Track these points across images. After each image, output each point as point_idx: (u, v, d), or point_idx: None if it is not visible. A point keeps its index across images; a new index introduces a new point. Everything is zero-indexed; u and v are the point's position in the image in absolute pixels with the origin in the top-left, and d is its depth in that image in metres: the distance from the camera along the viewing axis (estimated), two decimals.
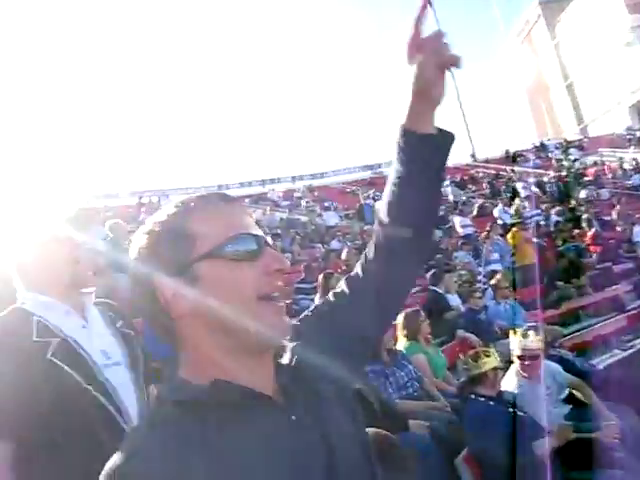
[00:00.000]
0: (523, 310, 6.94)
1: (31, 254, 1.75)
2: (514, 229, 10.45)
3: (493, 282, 7.31)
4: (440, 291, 7.25)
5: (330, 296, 1.10)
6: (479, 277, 9.40)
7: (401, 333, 5.01)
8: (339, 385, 0.97)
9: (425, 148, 1.01)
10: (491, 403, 3.24)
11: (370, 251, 1.06)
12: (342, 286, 1.09)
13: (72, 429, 1.58)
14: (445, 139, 1.03)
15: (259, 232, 0.89)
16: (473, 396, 3.32)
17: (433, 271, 7.67)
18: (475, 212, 16.25)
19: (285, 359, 0.96)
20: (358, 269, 1.08)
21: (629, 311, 7.41)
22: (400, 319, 5.07)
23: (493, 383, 3.34)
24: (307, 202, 19.62)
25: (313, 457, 0.83)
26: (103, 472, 0.76)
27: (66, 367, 1.61)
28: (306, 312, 1.10)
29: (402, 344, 4.95)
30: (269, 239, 0.93)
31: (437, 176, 1.04)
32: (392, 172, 1.07)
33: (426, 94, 1.00)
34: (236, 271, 0.84)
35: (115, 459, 0.77)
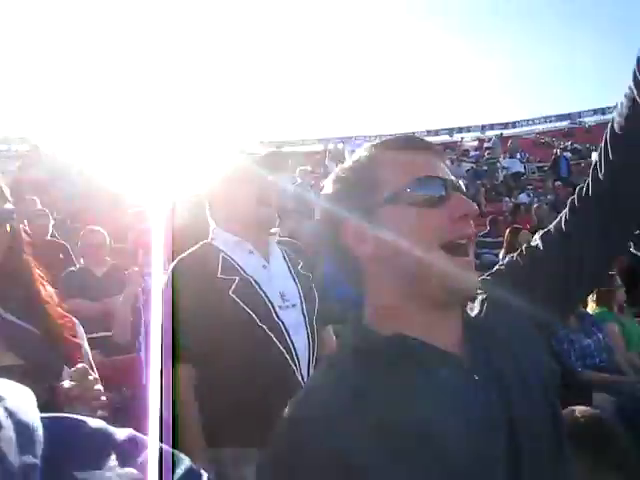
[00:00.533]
0: None
1: (222, 192, 1.85)
2: None
3: None
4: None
5: (524, 251, 1.00)
6: None
7: (591, 298, 4.57)
8: (528, 341, 0.89)
9: None
10: None
11: (582, 203, 0.95)
12: (537, 242, 0.99)
13: (241, 363, 1.68)
14: None
15: (448, 176, 0.84)
16: None
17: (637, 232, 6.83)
18: None
19: (473, 314, 0.89)
20: (560, 224, 0.97)
21: None
22: None
23: None
24: (497, 153, 18.60)
25: (493, 413, 0.77)
26: (288, 404, 0.79)
27: (244, 305, 1.70)
28: (497, 266, 1.02)
29: (591, 309, 4.52)
30: (462, 185, 0.87)
31: None
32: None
33: None
34: (417, 217, 0.80)
35: (299, 393, 0.79)
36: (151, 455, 0.47)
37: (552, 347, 3.80)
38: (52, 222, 5.62)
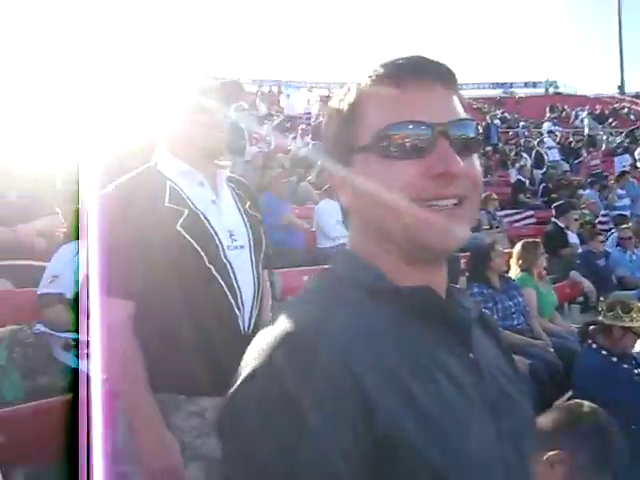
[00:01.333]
0: None
1: (173, 119, 1.71)
2: None
3: (625, 227, 6.70)
4: (562, 225, 6.78)
5: None
6: (602, 219, 8.71)
7: (515, 262, 4.73)
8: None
9: None
10: (614, 359, 2.95)
11: None
12: None
13: (186, 302, 1.56)
14: None
15: (442, 119, 0.69)
16: (595, 345, 3.04)
17: (560, 203, 7.18)
18: (609, 149, 14.88)
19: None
20: None
21: None
22: (518, 248, 4.80)
23: (623, 343, 3.00)
24: None
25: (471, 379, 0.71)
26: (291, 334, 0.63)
27: (193, 242, 1.58)
28: None
29: (514, 274, 4.68)
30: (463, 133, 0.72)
31: None
32: None
33: None
34: (389, 169, 0.69)
35: (306, 323, 0.64)
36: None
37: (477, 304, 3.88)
38: None
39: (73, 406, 2.14)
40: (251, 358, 0.64)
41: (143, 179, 1.66)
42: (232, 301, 1.61)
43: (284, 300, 2.60)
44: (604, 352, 3.00)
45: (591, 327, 3.14)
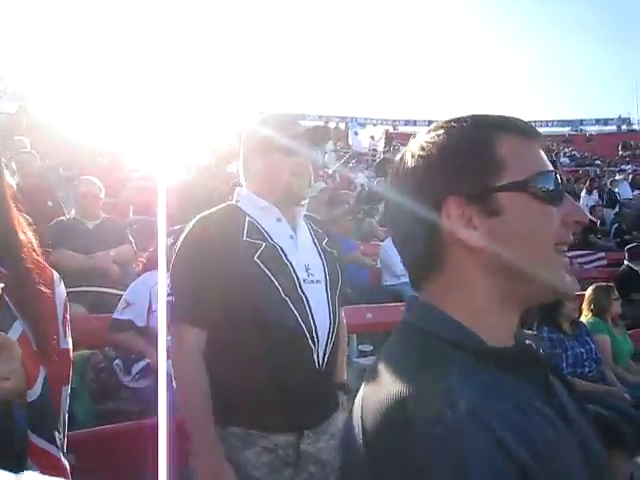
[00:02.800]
0: None
1: (259, 158, 1.75)
2: None
3: None
4: (636, 268, 6.47)
5: None
6: None
7: (587, 307, 4.54)
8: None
9: None
10: None
11: None
12: None
13: (258, 335, 1.57)
14: None
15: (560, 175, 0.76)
16: None
17: (633, 245, 6.85)
18: None
19: None
20: None
21: None
22: (589, 291, 4.60)
23: None
24: None
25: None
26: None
27: (269, 273, 1.60)
28: None
29: (586, 319, 4.49)
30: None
31: None
32: None
33: None
34: (543, 212, 0.71)
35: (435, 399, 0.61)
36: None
37: (544, 349, 3.75)
38: (38, 163, 5.42)
39: (142, 431, 2.21)
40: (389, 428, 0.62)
41: (223, 214, 1.71)
42: (307, 334, 1.60)
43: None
44: None
45: None
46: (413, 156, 0.76)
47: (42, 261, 1.33)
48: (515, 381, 0.68)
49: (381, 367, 0.70)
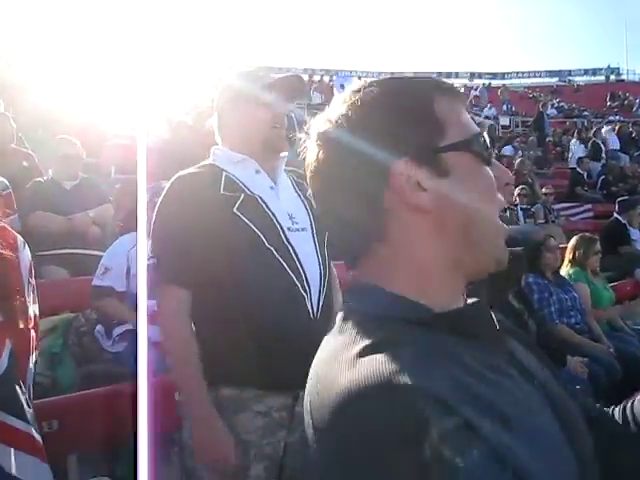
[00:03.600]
0: None
1: (233, 112, 1.70)
2: None
3: None
4: (624, 221, 6.49)
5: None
6: None
7: (568, 257, 4.57)
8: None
9: None
10: None
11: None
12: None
13: (245, 289, 1.52)
14: None
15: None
16: None
17: (625, 198, 6.87)
18: None
19: None
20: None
21: None
22: (572, 242, 4.65)
23: None
24: (484, 102, 18.41)
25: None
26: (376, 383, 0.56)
27: (251, 224, 1.55)
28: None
29: (565, 270, 4.52)
30: None
31: None
32: None
33: None
34: (486, 172, 0.71)
35: (385, 371, 0.57)
36: None
37: (528, 297, 3.72)
38: (14, 126, 5.24)
39: (124, 395, 2.19)
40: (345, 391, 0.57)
41: (199, 172, 1.65)
42: (297, 283, 1.55)
43: None
44: None
45: None
46: (359, 107, 0.70)
47: (4, 224, 1.26)
48: (469, 345, 0.65)
49: (325, 359, 0.66)
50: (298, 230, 1.62)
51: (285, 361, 1.45)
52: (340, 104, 0.72)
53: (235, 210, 1.55)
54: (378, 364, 0.58)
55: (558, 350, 3.46)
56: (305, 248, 1.60)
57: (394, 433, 0.52)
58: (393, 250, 0.69)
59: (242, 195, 1.59)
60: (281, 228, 1.58)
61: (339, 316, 0.71)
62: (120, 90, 6.53)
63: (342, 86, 19.58)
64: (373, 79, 0.75)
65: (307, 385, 0.68)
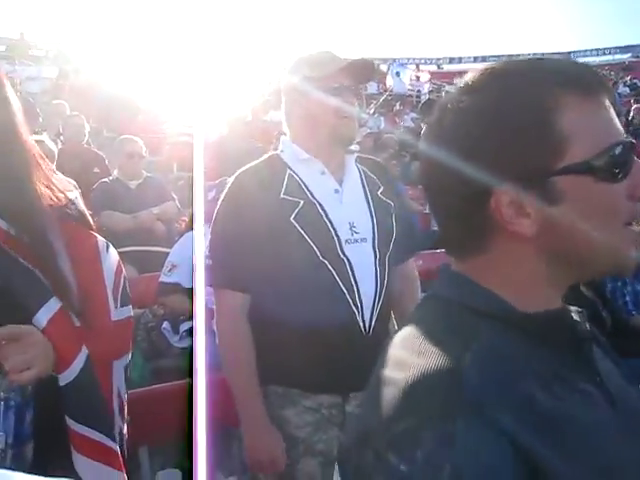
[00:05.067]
0: None
1: (296, 103, 1.62)
2: None
3: None
4: None
5: None
6: None
7: None
8: None
9: None
10: None
11: None
12: None
13: (295, 300, 1.50)
14: None
15: (627, 136, 0.63)
16: None
17: None
18: None
19: None
20: None
21: None
22: None
23: None
24: None
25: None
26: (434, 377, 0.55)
27: (306, 235, 1.50)
28: None
29: None
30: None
31: None
32: None
33: None
34: (610, 193, 0.60)
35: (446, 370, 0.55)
36: None
37: (602, 289, 3.55)
38: (87, 129, 5.44)
39: (191, 389, 2.20)
40: (387, 393, 0.57)
41: (262, 168, 1.61)
42: (348, 298, 1.51)
43: None
44: None
45: None
46: (457, 116, 0.62)
47: (84, 228, 1.22)
48: (547, 352, 0.60)
49: (399, 341, 0.63)
50: (357, 241, 1.55)
51: (333, 370, 1.49)
52: (446, 108, 0.64)
53: (292, 219, 1.51)
54: (440, 356, 0.56)
55: (636, 342, 3.27)
56: (362, 261, 1.55)
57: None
58: (492, 262, 0.64)
59: (302, 202, 1.53)
60: (338, 240, 1.53)
61: (421, 299, 0.69)
62: (179, 88, 6.64)
63: (397, 74, 19.32)
64: (485, 70, 0.63)
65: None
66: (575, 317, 0.66)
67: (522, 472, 0.50)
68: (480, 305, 0.62)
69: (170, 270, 3.00)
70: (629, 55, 26.11)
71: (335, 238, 1.52)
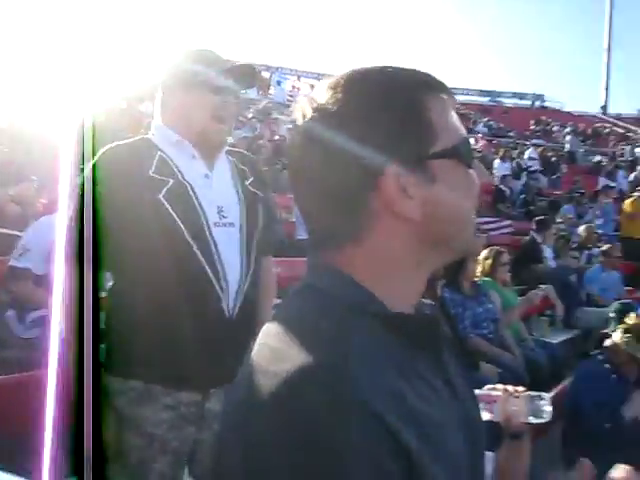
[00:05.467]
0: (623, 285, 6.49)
1: (176, 94, 1.60)
2: (636, 197, 9.52)
3: (604, 248, 6.79)
4: (539, 241, 6.88)
5: None
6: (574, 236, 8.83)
7: (480, 268, 4.72)
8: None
9: None
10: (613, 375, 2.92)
11: None
12: None
13: (158, 281, 1.47)
14: None
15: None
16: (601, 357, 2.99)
17: (542, 218, 7.27)
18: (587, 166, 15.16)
19: None
20: None
21: None
22: (483, 253, 4.80)
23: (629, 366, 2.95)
24: None
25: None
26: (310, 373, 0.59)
27: (174, 213, 1.47)
28: None
29: (478, 280, 4.69)
30: None
31: None
32: None
33: None
34: (469, 177, 0.71)
35: (323, 359, 0.60)
36: None
37: (447, 309, 3.95)
38: None
39: (35, 382, 2.09)
40: (267, 384, 0.59)
41: (131, 147, 1.57)
42: (213, 280, 1.49)
43: None
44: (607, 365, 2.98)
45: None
46: (334, 114, 0.67)
47: None
48: (411, 351, 0.66)
49: (274, 331, 0.66)
50: (225, 225, 1.55)
51: (195, 360, 1.45)
52: (326, 94, 0.68)
53: (160, 196, 1.47)
54: (322, 350, 0.60)
55: (472, 356, 3.65)
56: (230, 245, 1.54)
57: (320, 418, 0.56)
58: (367, 249, 0.68)
59: (171, 181, 1.50)
60: (207, 222, 1.51)
61: (292, 289, 0.72)
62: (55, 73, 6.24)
63: (279, 83, 19.54)
64: (358, 68, 0.70)
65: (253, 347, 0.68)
66: (430, 312, 0.76)
67: (403, 467, 0.56)
68: (353, 301, 0.66)
69: (21, 254, 2.82)
70: (487, 99, 28.63)
71: (204, 219, 1.51)
